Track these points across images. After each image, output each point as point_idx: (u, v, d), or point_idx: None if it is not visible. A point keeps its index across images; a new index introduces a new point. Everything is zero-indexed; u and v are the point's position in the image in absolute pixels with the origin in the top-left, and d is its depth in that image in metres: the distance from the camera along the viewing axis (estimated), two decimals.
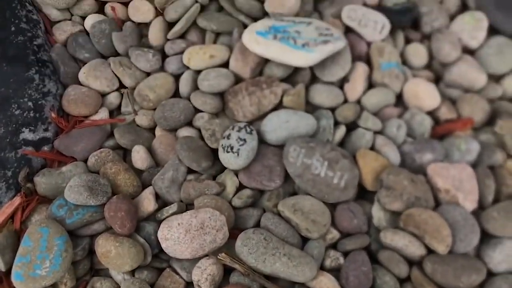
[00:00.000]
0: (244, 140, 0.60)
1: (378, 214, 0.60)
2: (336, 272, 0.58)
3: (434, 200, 0.62)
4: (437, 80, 0.74)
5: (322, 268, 0.58)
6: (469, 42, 0.73)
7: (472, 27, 0.74)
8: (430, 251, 0.58)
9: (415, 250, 0.57)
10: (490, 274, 0.58)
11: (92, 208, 0.59)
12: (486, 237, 0.60)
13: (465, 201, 0.61)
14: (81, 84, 0.69)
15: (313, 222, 0.58)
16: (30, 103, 0.64)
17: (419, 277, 0.57)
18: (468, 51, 0.74)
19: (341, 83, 0.69)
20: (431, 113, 0.69)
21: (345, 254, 0.59)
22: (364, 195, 0.64)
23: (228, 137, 0.61)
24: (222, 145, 0.61)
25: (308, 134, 0.63)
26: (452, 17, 0.77)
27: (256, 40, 0.63)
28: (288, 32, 0.64)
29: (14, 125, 0.62)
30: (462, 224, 0.58)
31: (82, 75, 0.68)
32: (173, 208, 0.60)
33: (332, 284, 0.56)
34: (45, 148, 0.64)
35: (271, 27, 0.64)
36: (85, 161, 0.64)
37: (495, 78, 0.73)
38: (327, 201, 0.60)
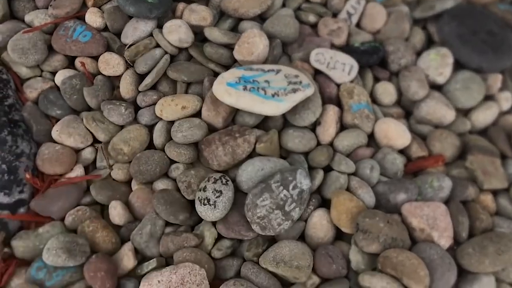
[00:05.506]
0: (220, 191, 0.64)
1: (356, 258, 0.64)
2: None
3: (410, 238, 0.66)
4: (407, 115, 0.79)
5: None
6: (436, 78, 0.79)
7: (438, 63, 0.79)
8: None
9: None
10: None
11: (72, 268, 0.62)
12: (463, 273, 0.64)
13: (440, 239, 0.65)
14: (54, 142, 0.72)
15: (298, 268, 0.62)
16: (4, 166, 0.67)
17: None
18: (436, 86, 0.80)
19: (314, 126, 0.74)
20: (403, 151, 0.74)
21: None
22: (341, 235, 0.68)
23: (204, 189, 0.64)
24: (199, 197, 0.64)
25: None
26: (418, 54, 0.83)
27: (227, 92, 0.67)
28: (258, 82, 0.69)
29: None
30: (439, 263, 0.62)
31: (55, 133, 0.71)
32: (152, 263, 0.63)
33: None
34: (21, 210, 0.67)
35: (241, 77, 0.69)
36: (63, 220, 0.67)
37: (463, 112, 0.79)
38: None
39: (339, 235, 0.68)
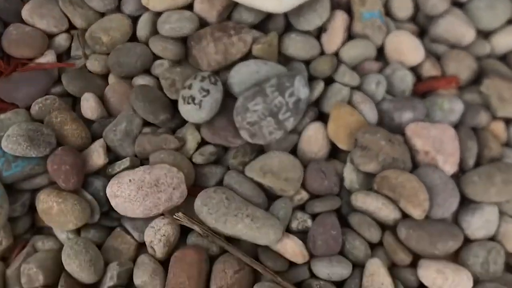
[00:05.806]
0: (208, 91, 0.57)
1: (350, 176, 0.59)
2: (303, 235, 0.56)
3: (412, 161, 0.60)
4: (421, 34, 0.72)
5: (288, 230, 0.57)
6: None
7: None
8: (405, 216, 0.57)
9: (389, 213, 0.56)
10: (467, 241, 0.58)
11: (34, 160, 0.56)
12: (465, 202, 0.60)
13: (445, 164, 0.60)
14: (24, 23, 0.65)
15: (286, 180, 0.57)
16: None
17: (392, 242, 0.56)
18: (457, 3, 0.72)
19: (318, 33, 0.67)
20: (414, 69, 0.67)
21: (314, 216, 0.57)
22: (335, 153, 0.63)
23: (190, 87, 0.58)
24: (183, 95, 0.58)
25: None
26: None
27: None
28: None
29: None
30: (441, 188, 0.57)
31: (25, 13, 0.65)
32: (125, 162, 0.57)
33: (298, 248, 0.54)
34: None
35: None
36: (28, 108, 0.61)
37: (484, 34, 0.72)
38: None
39: (334, 153, 0.63)
